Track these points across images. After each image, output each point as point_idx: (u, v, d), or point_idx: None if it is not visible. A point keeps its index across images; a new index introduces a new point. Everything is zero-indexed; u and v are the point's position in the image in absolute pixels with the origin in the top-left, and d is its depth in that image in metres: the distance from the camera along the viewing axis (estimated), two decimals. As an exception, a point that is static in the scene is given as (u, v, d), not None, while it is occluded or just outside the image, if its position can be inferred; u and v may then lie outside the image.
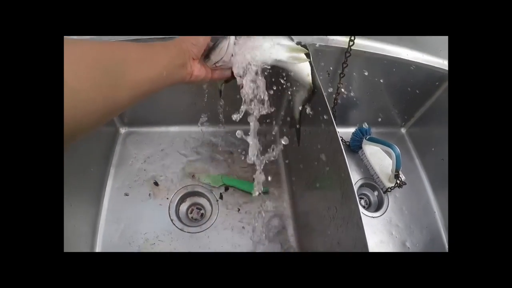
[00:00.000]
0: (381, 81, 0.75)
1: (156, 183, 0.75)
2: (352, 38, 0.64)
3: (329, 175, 0.53)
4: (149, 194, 0.73)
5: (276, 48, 0.47)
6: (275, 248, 0.70)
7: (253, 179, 0.62)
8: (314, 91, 0.55)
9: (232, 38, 0.45)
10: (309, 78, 0.53)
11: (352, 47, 0.64)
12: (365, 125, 0.80)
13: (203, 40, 0.43)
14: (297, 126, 0.62)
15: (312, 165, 0.61)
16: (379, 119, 0.85)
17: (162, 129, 0.83)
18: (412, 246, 0.75)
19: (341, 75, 0.68)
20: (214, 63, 0.46)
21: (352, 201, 0.44)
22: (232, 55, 0.46)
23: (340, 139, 0.48)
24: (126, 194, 0.73)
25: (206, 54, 0.46)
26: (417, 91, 0.78)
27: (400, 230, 0.76)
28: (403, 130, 0.92)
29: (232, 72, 0.48)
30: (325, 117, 0.51)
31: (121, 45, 0.35)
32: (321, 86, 0.53)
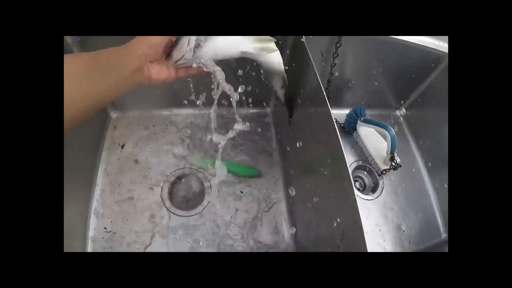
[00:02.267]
0: (376, 61, 0.74)
1: (145, 167, 0.74)
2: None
3: (323, 157, 0.52)
4: (142, 177, 0.73)
5: (242, 41, 0.45)
6: (267, 235, 0.70)
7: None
8: (286, 84, 0.55)
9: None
10: (281, 66, 0.51)
11: (346, 26, 0.63)
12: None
13: (159, 41, 0.40)
14: (284, 103, 0.62)
15: (306, 147, 0.60)
16: (374, 101, 0.84)
17: (154, 112, 0.82)
18: (407, 229, 0.75)
19: (335, 55, 0.66)
20: (176, 62, 0.43)
21: (346, 182, 0.43)
22: (194, 51, 0.42)
23: (334, 120, 0.47)
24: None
25: (168, 53, 0.43)
26: (413, 73, 0.77)
27: (395, 213, 0.76)
28: (398, 113, 0.91)
29: (198, 69, 0.45)
30: (318, 98, 0.50)
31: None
32: (314, 66, 0.52)
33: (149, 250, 0.65)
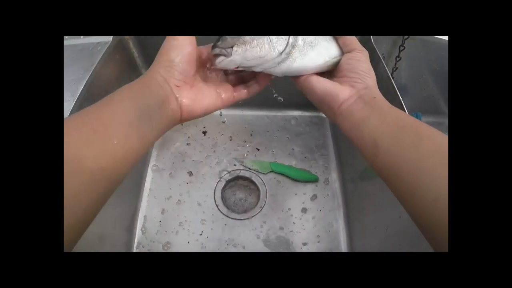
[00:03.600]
0: (434, 66, 0.72)
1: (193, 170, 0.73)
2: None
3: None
4: (191, 177, 0.72)
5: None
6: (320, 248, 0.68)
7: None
8: None
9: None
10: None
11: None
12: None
13: (187, 50, 0.31)
14: None
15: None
16: (428, 108, 0.81)
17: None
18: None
19: (397, 59, 0.65)
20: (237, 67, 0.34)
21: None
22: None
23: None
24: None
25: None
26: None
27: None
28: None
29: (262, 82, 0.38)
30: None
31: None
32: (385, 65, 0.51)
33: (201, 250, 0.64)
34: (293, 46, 0.34)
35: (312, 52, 0.36)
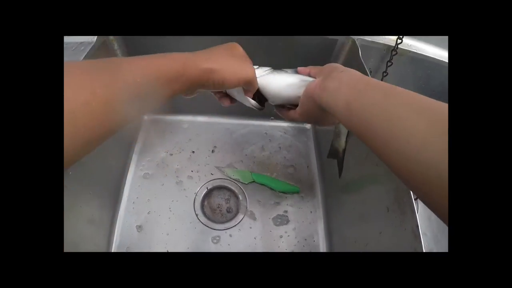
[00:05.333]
0: (421, 83, 0.72)
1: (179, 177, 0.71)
2: (401, 36, 0.60)
3: (376, 178, 0.50)
4: (174, 186, 0.70)
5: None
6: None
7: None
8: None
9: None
10: None
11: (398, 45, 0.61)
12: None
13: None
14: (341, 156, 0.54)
15: (353, 166, 0.58)
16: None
17: (189, 118, 0.79)
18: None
19: (384, 74, 0.65)
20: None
21: (408, 207, 0.41)
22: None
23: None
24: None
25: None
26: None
27: (428, 239, 0.74)
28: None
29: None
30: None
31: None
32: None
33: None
34: None
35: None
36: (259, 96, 0.47)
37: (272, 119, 0.82)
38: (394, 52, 0.62)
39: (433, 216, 0.78)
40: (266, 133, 0.80)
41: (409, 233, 0.40)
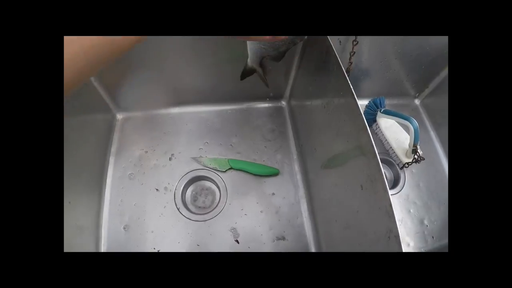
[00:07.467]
0: (395, 49, 0.69)
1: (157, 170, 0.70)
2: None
3: (349, 154, 0.48)
4: (153, 182, 0.69)
5: None
6: (288, 239, 0.66)
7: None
8: None
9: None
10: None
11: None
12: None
13: None
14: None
15: (328, 143, 0.57)
16: (392, 91, 0.79)
17: (163, 111, 0.78)
18: (430, 224, 0.71)
19: (354, 43, 0.62)
20: None
21: (380, 185, 0.39)
22: None
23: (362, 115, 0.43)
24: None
25: None
26: (433, 60, 0.72)
27: (418, 208, 0.72)
28: (417, 102, 0.87)
29: None
30: (343, 91, 0.46)
31: None
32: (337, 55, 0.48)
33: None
34: None
35: None
36: None
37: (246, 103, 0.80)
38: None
39: (422, 183, 0.77)
40: (240, 118, 0.79)
41: (383, 213, 0.39)
